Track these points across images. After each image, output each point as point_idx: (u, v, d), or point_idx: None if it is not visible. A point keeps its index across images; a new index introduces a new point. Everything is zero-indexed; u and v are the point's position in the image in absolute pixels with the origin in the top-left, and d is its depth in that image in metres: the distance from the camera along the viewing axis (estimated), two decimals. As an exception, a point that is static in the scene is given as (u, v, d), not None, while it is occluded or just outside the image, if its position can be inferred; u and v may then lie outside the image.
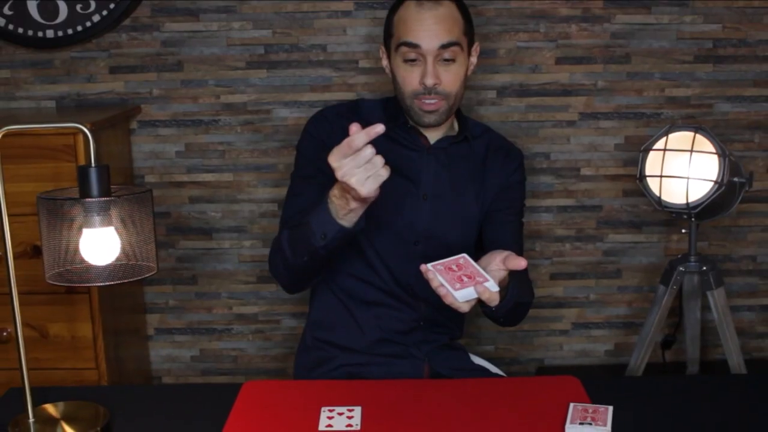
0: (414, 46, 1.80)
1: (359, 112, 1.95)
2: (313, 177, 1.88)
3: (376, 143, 1.87)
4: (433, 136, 1.93)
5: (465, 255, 1.53)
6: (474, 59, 1.93)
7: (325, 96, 2.68)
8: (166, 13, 2.64)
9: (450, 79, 1.83)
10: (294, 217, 1.84)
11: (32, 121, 2.35)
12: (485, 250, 1.97)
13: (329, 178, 1.86)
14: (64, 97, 2.69)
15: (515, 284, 1.68)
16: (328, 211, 1.63)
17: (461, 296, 1.45)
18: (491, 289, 1.45)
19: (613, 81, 2.69)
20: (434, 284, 1.47)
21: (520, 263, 1.50)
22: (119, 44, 2.66)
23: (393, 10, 1.88)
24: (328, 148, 1.84)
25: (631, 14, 2.64)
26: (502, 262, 1.53)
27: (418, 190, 1.91)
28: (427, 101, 1.83)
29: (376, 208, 1.86)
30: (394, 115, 1.93)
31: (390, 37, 1.87)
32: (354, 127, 1.48)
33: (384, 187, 1.85)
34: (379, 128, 1.47)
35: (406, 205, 1.90)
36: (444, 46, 1.80)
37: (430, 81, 1.80)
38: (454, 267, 1.50)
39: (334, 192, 1.61)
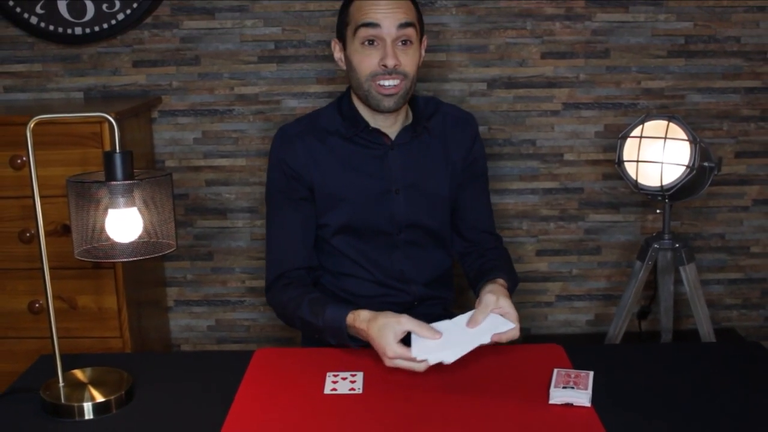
0: (374, 25, 1.71)
1: (319, 124, 1.86)
2: (287, 206, 1.85)
3: (340, 147, 1.84)
4: (392, 131, 1.85)
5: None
6: (423, 53, 1.83)
7: (330, 87, 2.66)
8: (184, 11, 2.62)
9: (408, 60, 1.75)
10: (283, 257, 1.84)
11: (62, 111, 2.34)
12: (460, 228, 1.96)
13: (302, 203, 1.84)
14: (91, 88, 2.68)
15: (509, 279, 1.80)
16: (347, 336, 1.65)
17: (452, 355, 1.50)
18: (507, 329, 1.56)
19: (594, 74, 2.67)
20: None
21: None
22: (141, 40, 2.64)
23: (347, 2, 1.79)
24: (296, 173, 1.82)
25: (610, 13, 2.62)
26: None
27: (390, 186, 1.84)
28: (387, 83, 1.74)
29: (354, 213, 1.84)
30: (352, 118, 1.84)
31: (346, 26, 1.78)
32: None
33: (357, 190, 1.83)
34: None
35: (381, 202, 1.84)
36: (402, 26, 1.72)
37: (390, 62, 1.71)
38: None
39: (359, 330, 1.61)
